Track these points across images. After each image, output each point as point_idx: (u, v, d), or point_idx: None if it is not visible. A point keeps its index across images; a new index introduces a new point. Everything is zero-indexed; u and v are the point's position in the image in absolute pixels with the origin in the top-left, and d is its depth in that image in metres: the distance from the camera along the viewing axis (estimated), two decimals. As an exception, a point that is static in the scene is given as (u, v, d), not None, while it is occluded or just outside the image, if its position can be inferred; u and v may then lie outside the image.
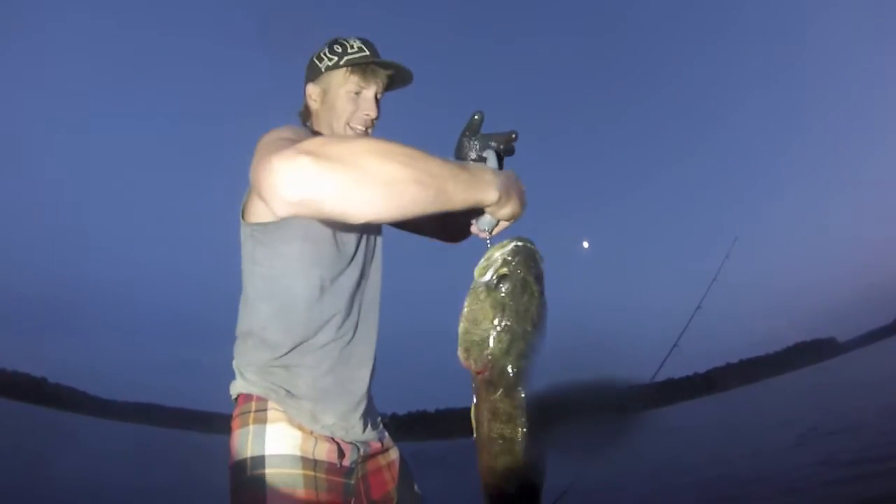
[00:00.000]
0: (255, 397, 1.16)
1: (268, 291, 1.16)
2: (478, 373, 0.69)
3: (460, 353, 0.69)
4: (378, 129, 1.29)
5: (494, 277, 0.68)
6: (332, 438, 1.18)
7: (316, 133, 1.25)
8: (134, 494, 9.79)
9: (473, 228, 0.86)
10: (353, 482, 1.20)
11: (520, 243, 0.70)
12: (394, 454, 1.37)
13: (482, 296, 0.68)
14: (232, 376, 1.22)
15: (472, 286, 0.70)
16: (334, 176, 0.60)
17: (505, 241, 0.72)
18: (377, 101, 1.25)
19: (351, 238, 1.22)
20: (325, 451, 1.15)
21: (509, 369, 0.69)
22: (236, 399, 1.20)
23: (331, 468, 1.15)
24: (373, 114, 1.24)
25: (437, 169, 0.67)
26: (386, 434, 1.38)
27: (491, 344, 0.68)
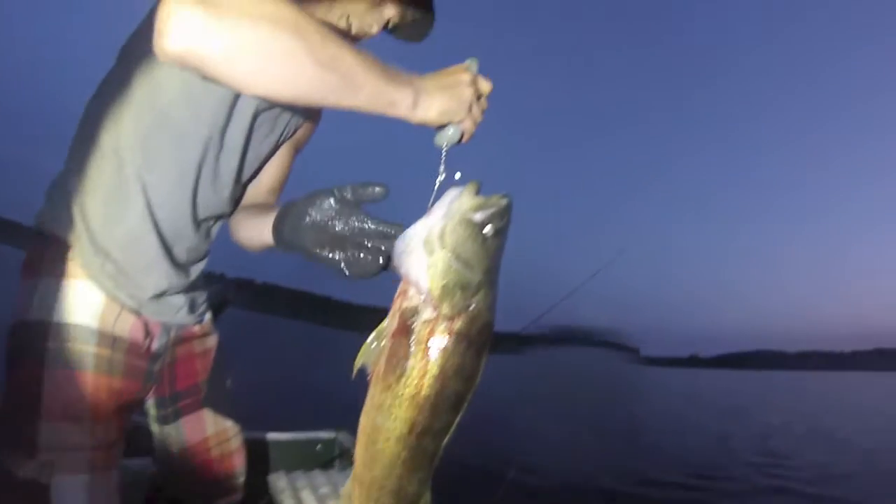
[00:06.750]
0: (56, 239, 0.91)
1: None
2: (448, 318, 0.61)
3: (434, 287, 0.60)
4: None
5: (492, 224, 0.61)
6: (139, 313, 0.97)
7: None
8: None
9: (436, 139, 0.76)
10: (156, 368, 1.04)
11: (508, 199, 0.64)
12: (211, 341, 1.20)
13: (476, 238, 0.61)
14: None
15: (459, 218, 0.60)
16: (220, 36, 0.55)
17: (492, 197, 0.63)
18: (384, 24, 1.00)
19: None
20: (128, 327, 0.94)
21: (487, 325, 0.63)
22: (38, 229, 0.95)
23: (133, 348, 0.95)
24: (374, 31, 0.99)
25: (349, 56, 0.62)
26: (207, 317, 1.18)
27: (478, 294, 0.61)
